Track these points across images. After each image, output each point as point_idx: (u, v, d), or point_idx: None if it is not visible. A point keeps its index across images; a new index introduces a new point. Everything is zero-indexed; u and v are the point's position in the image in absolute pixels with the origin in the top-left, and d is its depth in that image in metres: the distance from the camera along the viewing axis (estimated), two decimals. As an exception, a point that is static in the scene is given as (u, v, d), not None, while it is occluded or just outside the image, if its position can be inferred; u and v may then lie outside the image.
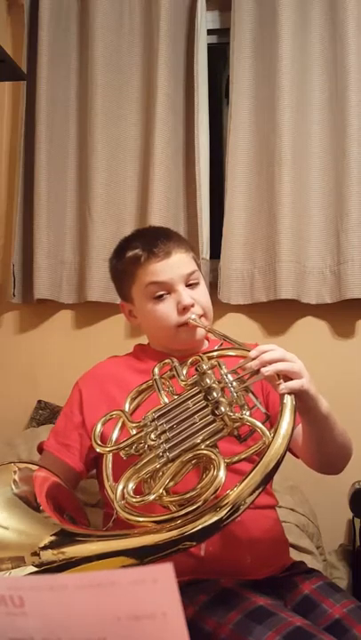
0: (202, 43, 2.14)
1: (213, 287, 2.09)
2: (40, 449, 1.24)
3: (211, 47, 2.24)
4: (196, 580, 1.08)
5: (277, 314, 2.09)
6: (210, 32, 2.25)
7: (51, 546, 0.85)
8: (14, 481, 0.92)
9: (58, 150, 2.18)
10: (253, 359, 0.98)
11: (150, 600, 0.47)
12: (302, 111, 2.04)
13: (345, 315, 2.07)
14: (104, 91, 2.14)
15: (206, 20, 2.19)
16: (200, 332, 1.21)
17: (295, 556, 1.37)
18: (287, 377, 0.97)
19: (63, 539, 0.86)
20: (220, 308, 2.11)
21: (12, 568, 0.82)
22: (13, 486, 0.91)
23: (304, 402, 1.00)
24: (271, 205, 2.03)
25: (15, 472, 0.93)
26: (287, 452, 1.22)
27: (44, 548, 0.84)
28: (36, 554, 0.84)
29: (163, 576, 0.46)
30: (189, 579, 1.07)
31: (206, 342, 1.31)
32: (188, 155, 2.14)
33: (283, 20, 2.02)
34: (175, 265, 1.20)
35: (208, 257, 2.11)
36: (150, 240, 1.23)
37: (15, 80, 1.95)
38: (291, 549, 1.50)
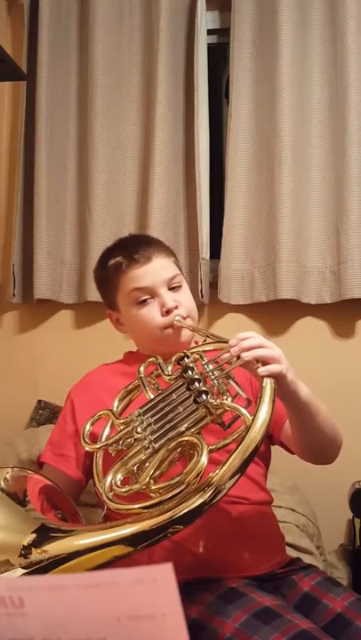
0: (202, 43, 2.14)
1: (213, 287, 2.09)
2: (39, 462, 1.25)
3: (211, 47, 2.23)
4: (201, 579, 1.09)
5: (277, 314, 2.09)
6: (210, 32, 2.25)
7: (34, 544, 0.85)
8: (4, 479, 0.92)
9: (58, 150, 2.19)
10: (233, 347, 1.00)
11: (150, 600, 0.47)
12: (302, 111, 2.04)
13: (345, 315, 2.07)
14: (104, 91, 2.14)
15: (206, 19, 2.19)
16: (186, 332, 1.22)
17: (295, 556, 1.37)
18: (266, 363, 0.99)
19: (44, 534, 0.86)
20: (220, 307, 2.12)
21: (3, 572, 0.82)
22: (2, 483, 0.92)
23: (283, 387, 1.01)
24: (271, 205, 2.03)
25: (8, 472, 0.94)
26: (284, 450, 1.24)
27: (29, 546, 0.85)
28: (21, 555, 0.84)
29: (162, 576, 0.46)
30: (193, 577, 1.08)
31: (193, 344, 1.32)
32: (188, 155, 2.14)
33: (283, 20, 2.02)
34: (156, 270, 1.22)
35: (208, 257, 2.11)
36: (130, 247, 1.25)
37: (15, 80, 1.95)
38: (291, 549, 1.51)
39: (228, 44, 2.12)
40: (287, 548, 1.31)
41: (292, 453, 1.23)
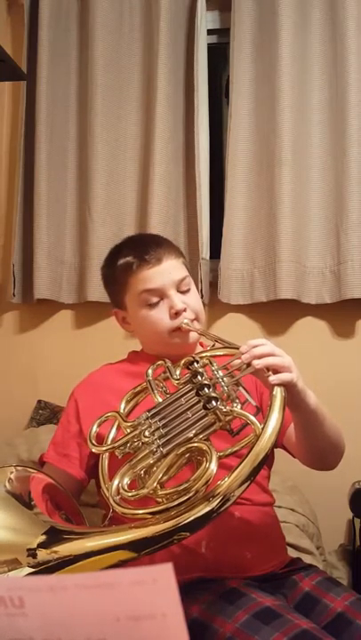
0: (202, 43, 2.14)
1: (213, 287, 2.09)
2: (41, 462, 1.25)
3: (211, 47, 2.23)
4: (202, 579, 1.09)
5: (277, 314, 2.09)
6: (210, 32, 2.25)
7: (43, 545, 0.85)
8: (9, 480, 0.92)
9: (58, 150, 2.18)
10: (244, 353, 1.00)
11: (150, 600, 0.47)
12: (302, 111, 2.04)
13: (345, 315, 2.07)
14: (104, 91, 2.14)
15: (206, 20, 2.19)
16: (193, 335, 1.22)
17: (295, 556, 1.37)
18: (277, 371, 0.99)
19: (54, 537, 0.87)
20: (220, 307, 2.12)
21: (9, 570, 0.82)
22: (7, 484, 0.92)
23: (293, 395, 1.01)
24: (271, 205, 2.03)
25: (12, 472, 0.94)
26: (285, 452, 1.24)
27: (38, 547, 0.85)
28: (30, 554, 0.84)
29: (162, 576, 0.46)
30: (195, 577, 1.08)
31: (200, 347, 1.31)
32: (188, 155, 2.14)
33: (283, 20, 2.02)
34: (166, 271, 1.22)
35: (208, 257, 2.11)
36: (141, 247, 1.24)
37: (15, 80, 1.95)
38: (291, 550, 1.51)
39: (228, 44, 2.12)
40: (287, 547, 1.31)
41: (293, 456, 1.23)
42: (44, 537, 0.86)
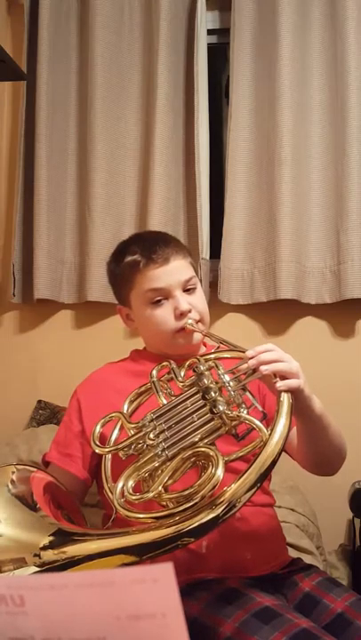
0: (202, 43, 2.14)
1: (213, 287, 2.09)
2: (44, 461, 1.25)
3: (211, 47, 2.23)
4: (202, 579, 1.09)
5: (277, 314, 2.09)
6: (210, 32, 2.25)
7: (51, 546, 0.85)
8: (12, 481, 0.92)
9: (58, 150, 2.18)
10: (250, 358, 1.00)
11: (150, 600, 0.47)
12: (302, 111, 2.04)
13: (345, 315, 2.07)
14: (104, 91, 2.14)
15: (206, 19, 2.19)
16: (197, 336, 1.22)
17: (295, 556, 1.38)
18: (284, 377, 0.98)
19: (62, 538, 0.87)
20: (220, 307, 2.12)
21: (15, 569, 0.82)
22: (10, 486, 0.92)
23: (300, 401, 1.01)
24: (271, 205, 2.03)
25: (13, 472, 0.94)
26: (284, 453, 1.24)
27: (44, 548, 0.85)
28: (36, 554, 0.84)
29: (163, 576, 0.46)
30: (195, 578, 1.08)
31: (203, 347, 1.31)
32: (188, 155, 2.14)
33: (283, 19, 2.02)
34: (173, 271, 1.21)
35: (208, 257, 2.11)
36: (149, 246, 1.23)
37: (15, 80, 1.94)
38: (291, 549, 1.51)
39: (228, 44, 2.12)
40: (287, 548, 1.31)
41: (294, 459, 1.23)
42: (51, 538, 0.86)
